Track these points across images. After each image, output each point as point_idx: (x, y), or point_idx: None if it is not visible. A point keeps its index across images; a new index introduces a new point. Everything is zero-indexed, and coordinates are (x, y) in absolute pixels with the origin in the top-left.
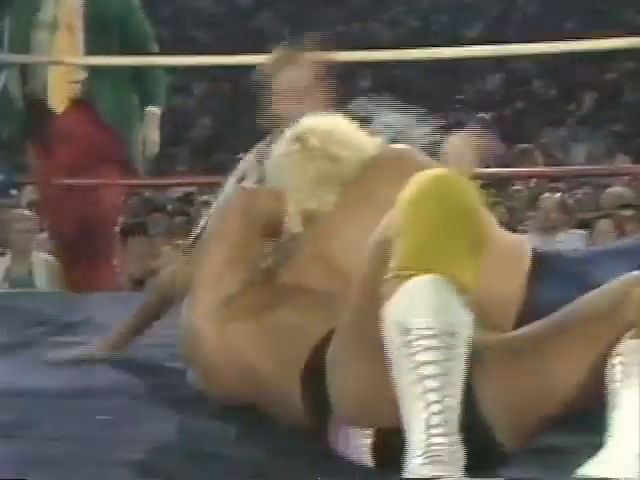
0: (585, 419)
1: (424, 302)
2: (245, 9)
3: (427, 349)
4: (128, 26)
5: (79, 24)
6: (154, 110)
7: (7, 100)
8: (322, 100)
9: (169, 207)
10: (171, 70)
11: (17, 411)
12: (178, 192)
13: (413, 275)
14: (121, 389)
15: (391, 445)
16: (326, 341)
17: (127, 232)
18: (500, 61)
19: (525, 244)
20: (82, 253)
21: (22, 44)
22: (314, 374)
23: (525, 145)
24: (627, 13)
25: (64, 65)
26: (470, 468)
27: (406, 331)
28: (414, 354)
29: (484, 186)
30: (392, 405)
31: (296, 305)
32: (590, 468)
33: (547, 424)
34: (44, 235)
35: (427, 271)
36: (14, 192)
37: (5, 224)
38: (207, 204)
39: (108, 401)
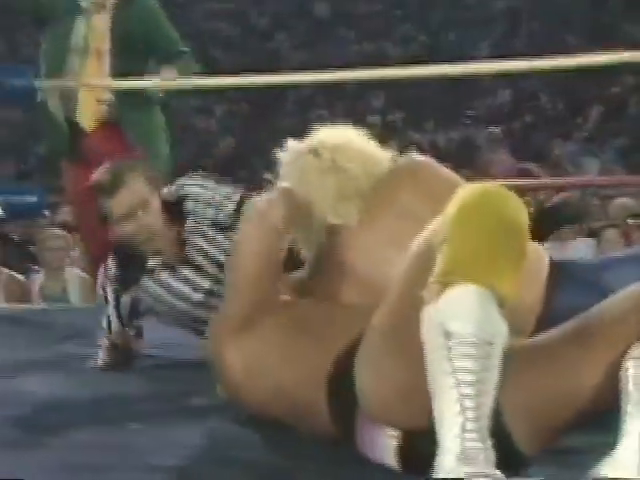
0: (601, 419)
1: (468, 310)
2: (261, 30)
3: (466, 356)
4: (154, 36)
5: (107, 47)
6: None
7: (51, 121)
8: (159, 208)
9: None
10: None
11: (52, 420)
12: None
13: (458, 282)
14: (149, 397)
15: (416, 448)
16: (352, 348)
17: None
18: (508, 77)
19: (543, 252)
20: None
21: (57, 68)
22: (341, 380)
23: (525, 164)
24: (626, 27)
25: (92, 88)
26: None
27: (447, 335)
28: (453, 359)
29: None
30: (420, 408)
31: (319, 317)
32: (603, 468)
33: (566, 429)
34: (77, 252)
35: (472, 280)
36: (47, 212)
37: (39, 243)
38: None
39: (138, 409)
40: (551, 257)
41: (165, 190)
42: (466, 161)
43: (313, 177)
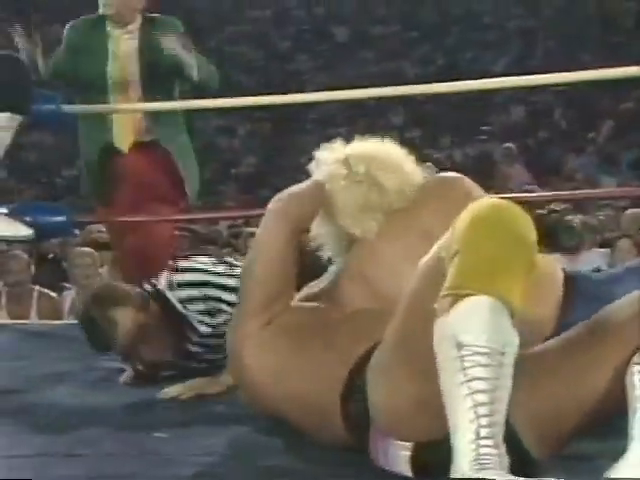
0: (611, 425)
1: (479, 321)
2: (283, 53)
3: (479, 365)
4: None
5: (136, 72)
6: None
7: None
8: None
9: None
10: (218, 113)
11: (80, 430)
12: (226, 226)
13: (469, 294)
14: (174, 406)
15: (429, 457)
16: (365, 360)
17: None
18: (523, 94)
19: (558, 265)
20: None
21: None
22: (354, 392)
23: (531, 186)
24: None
25: (123, 113)
26: None
27: (460, 346)
28: (467, 369)
29: None
30: (431, 421)
31: (335, 326)
32: (615, 472)
33: (576, 432)
34: (105, 270)
35: (483, 292)
36: (77, 232)
37: (68, 261)
38: (253, 236)
39: (162, 418)
40: (565, 270)
41: (163, 282)
42: (482, 176)
43: (341, 184)
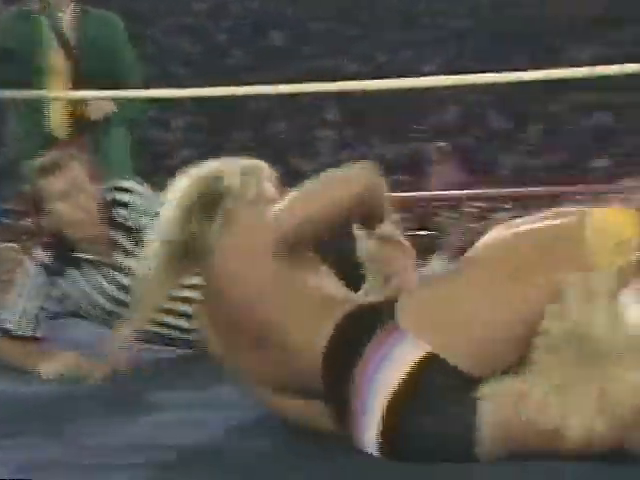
0: None
1: None
2: (220, 46)
3: None
4: (115, 60)
5: (67, 61)
6: None
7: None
8: (93, 194)
9: None
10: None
11: (9, 418)
12: None
13: None
14: (96, 395)
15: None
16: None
17: None
18: (456, 94)
19: None
20: None
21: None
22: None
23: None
24: (572, 50)
25: (57, 100)
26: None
27: None
28: None
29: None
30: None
31: None
32: None
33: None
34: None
35: None
36: (4, 220)
37: None
38: None
39: (85, 407)
40: None
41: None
42: (416, 174)
43: None
